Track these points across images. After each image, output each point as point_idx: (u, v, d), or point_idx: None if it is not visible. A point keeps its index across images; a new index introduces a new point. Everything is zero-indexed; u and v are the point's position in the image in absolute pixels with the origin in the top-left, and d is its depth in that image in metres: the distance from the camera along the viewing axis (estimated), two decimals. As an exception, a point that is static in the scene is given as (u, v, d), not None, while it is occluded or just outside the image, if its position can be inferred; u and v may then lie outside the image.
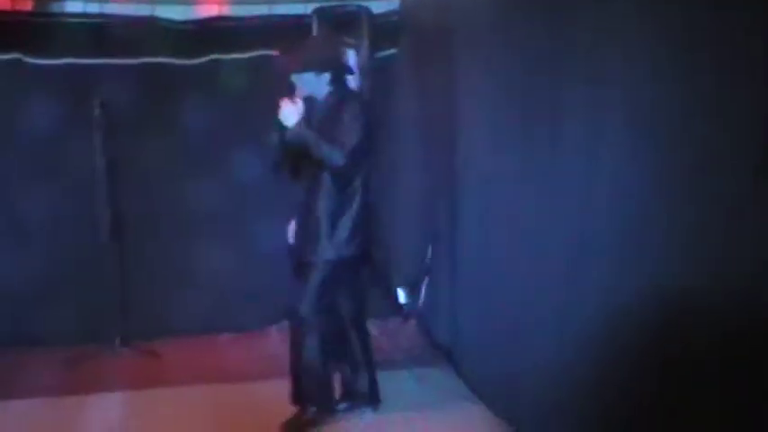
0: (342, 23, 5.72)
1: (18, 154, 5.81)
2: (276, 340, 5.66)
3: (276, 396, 4.47)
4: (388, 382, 4.80)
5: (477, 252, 4.82)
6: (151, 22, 6.04)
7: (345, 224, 4.30)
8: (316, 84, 4.33)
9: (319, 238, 4.30)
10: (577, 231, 3.64)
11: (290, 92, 4.33)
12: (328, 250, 4.30)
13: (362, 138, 4.19)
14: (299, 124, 4.19)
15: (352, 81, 4.79)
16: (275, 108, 4.24)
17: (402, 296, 6.22)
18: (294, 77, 4.33)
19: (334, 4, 5.84)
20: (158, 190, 5.91)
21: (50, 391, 5.02)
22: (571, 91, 3.69)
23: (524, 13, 4.20)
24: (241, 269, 5.98)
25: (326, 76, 4.32)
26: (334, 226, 4.29)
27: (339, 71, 4.42)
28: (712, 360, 2.68)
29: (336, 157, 4.15)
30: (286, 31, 5.97)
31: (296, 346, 4.39)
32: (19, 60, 5.79)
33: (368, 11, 5.83)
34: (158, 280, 5.90)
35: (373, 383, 4.67)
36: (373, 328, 5.85)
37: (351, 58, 5.67)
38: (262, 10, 6.10)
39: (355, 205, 4.32)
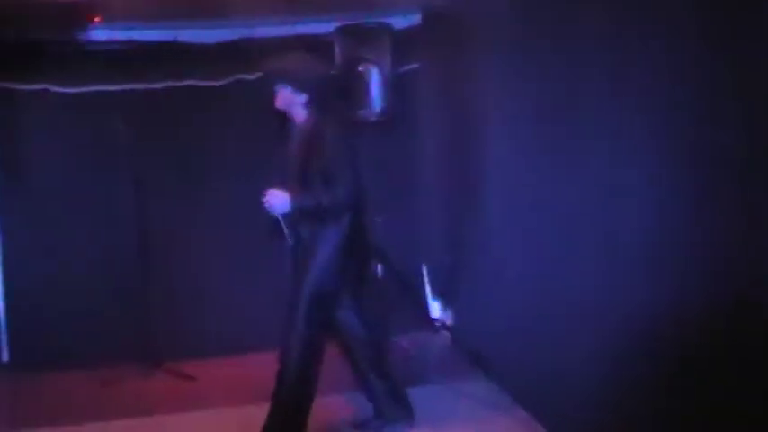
0: (364, 40, 5.74)
1: (49, 178, 5.90)
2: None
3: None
4: (425, 397, 4.75)
5: (509, 260, 4.78)
6: (175, 46, 6.09)
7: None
8: (290, 101, 4.24)
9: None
10: (609, 236, 3.61)
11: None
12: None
13: (352, 168, 4.13)
14: (294, 201, 4.10)
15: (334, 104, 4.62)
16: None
17: (434, 309, 6.21)
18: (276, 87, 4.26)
19: (356, 21, 5.83)
20: (186, 211, 5.94)
21: (80, 416, 5.00)
22: (597, 99, 3.68)
23: (545, 24, 4.21)
24: (272, 288, 5.96)
25: (303, 97, 4.22)
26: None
27: (315, 95, 4.25)
28: (749, 364, 2.63)
29: (340, 197, 4.08)
30: (311, 49, 5.99)
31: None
32: (46, 90, 5.88)
33: (389, 27, 5.84)
34: (188, 300, 5.90)
35: (398, 398, 4.55)
36: (405, 342, 5.85)
37: (373, 73, 5.69)
38: (284, 30, 6.11)
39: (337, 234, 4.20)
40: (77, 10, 5.47)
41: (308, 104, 4.22)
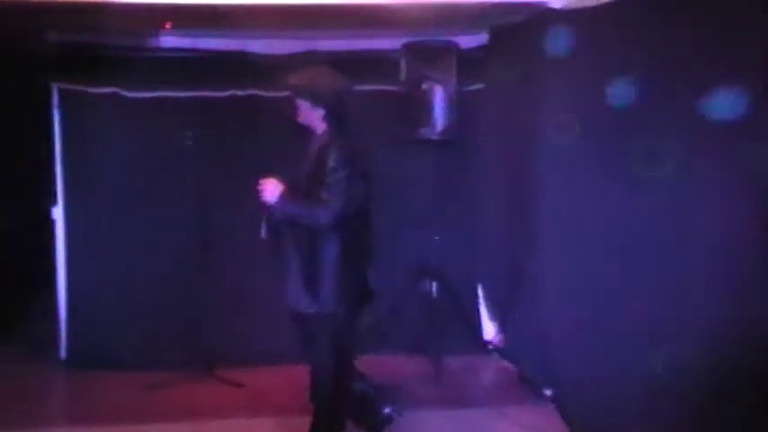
0: (429, 58, 5.76)
1: (114, 180, 6.00)
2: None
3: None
4: (473, 420, 4.75)
5: (567, 283, 4.75)
6: (241, 55, 6.16)
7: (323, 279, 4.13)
8: (310, 115, 4.25)
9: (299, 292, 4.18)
10: (675, 261, 3.58)
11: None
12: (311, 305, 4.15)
13: (347, 190, 4.07)
14: (281, 200, 4.10)
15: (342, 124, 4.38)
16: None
17: (486, 331, 6.18)
18: (297, 102, 4.27)
19: (422, 38, 5.85)
20: (244, 219, 5.97)
21: (131, 418, 5.09)
22: (666, 129, 3.65)
23: (613, 48, 4.19)
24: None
25: (321, 111, 4.22)
26: (311, 281, 4.15)
27: (332, 109, 4.23)
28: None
29: (321, 216, 4.03)
30: (374, 65, 6.05)
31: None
32: (115, 94, 5.98)
33: (455, 45, 5.85)
34: (244, 308, 5.94)
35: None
36: (457, 364, 5.83)
37: (437, 92, 5.71)
38: (352, 45, 6.15)
39: (330, 259, 4.14)
40: (149, 16, 5.56)
41: (325, 118, 4.23)
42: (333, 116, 4.22)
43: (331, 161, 4.04)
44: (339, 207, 4.02)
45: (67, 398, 5.83)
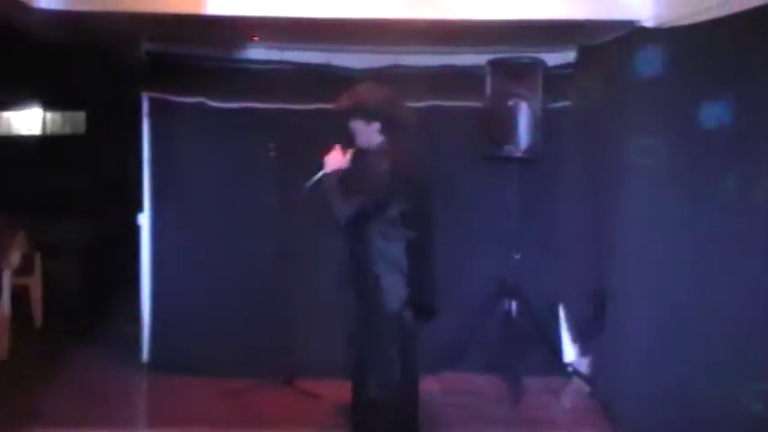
0: (515, 74, 5.72)
1: (199, 189, 6.12)
2: (435, 390, 5.64)
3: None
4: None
5: (650, 312, 4.65)
6: (327, 69, 6.20)
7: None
8: (365, 133, 4.24)
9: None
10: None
11: (348, 139, 4.30)
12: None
13: (376, 195, 4.08)
14: (330, 175, 4.16)
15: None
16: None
17: (566, 353, 6.08)
18: (350, 124, 4.26)
19: (509, 55, 5.81)
20: (326, 231, 5.99)
21: (210, 423, 5.18)
22: (761, 145, 3.56)
23: (708, 73, 4.10)
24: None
25: (376, 126, 4.21)
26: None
27: (389, 123, 4.24)
28: None
29: (340, 212, 4.09)
30: (460, 81, 6.03)
31: None
32: (203, 104, 6.09)
33: (542, 62, 5.80)
34: (325, 320, 5.95)
35: None
36: (535, 385, 5.75)
37: (522, 109, 5.66)
38: (436, 60, 6.14)
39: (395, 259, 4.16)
40: (237, 28, 5.65)
41: (381, 131, 4.23)
42: (387, 128, 4.23)
43: (372, 167, 4.10)
44: (355, 208, 4.05)
45: (147, 400, 5.97)
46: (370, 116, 4.21)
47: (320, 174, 4.27)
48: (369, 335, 4.27)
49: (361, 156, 4.27)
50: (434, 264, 4.48)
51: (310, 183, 4.30)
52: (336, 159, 4.23)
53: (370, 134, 4.24)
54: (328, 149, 4.29)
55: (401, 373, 4.22)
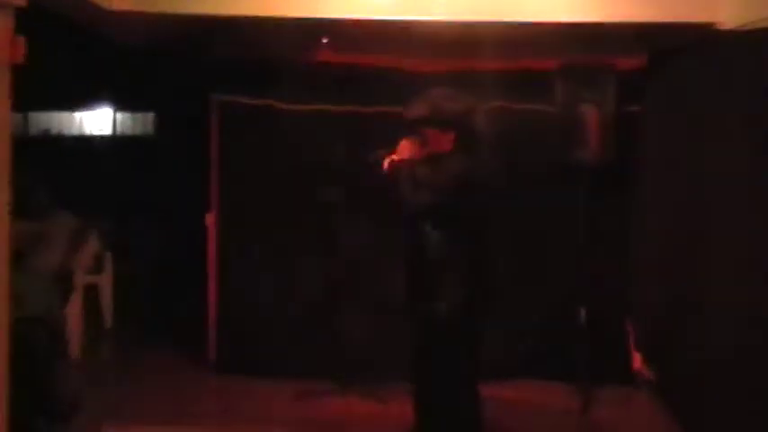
0: (586, 80, 5.62)
1: (268, 190, 6.17)
2: (508, 396, 5.61)
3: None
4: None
5: (723, 324, 4.53)
6: (397, 72, 6.17)
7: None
8: (439, 141, 4.10)
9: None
10: None
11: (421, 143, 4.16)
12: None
13: (445, 194, 3.97)
14: (402, 163, 4.08)
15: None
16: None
17: (637, 362, 5.97)
18: (423, 130, 4.14)
19: (579, 59, 5.72)
20: (390, 235, 5.98)
21: (276, 424, 5.20)
22: None
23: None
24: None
25: (451, 135, 4.08)
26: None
27: (464, 133, 4.11)
28: None
29: (410, 199, 3.99)
30: (530, 86, 5.96)
31: None
32: (270, 106, 6.13)
33: (613, 67, 5.69)
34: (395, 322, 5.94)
35: None
36: (605, 394, 5.66)
37: (593, 114, 5.56)
38: (506, 63, 6.07)
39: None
40: (306, 30, 5.66)
41: (455, 141, 4.10)
42: (463, 137, 4.11)
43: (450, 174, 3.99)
44: (425, 201, 3.97)
45: (214, 400, 6.04)
46: (445, 126, 4.11)
47: (385, 156, 4.19)
48: (428, 336, 4.19)
49: (431, 159, 4.18)
50: (494, 268, 4.41)
51: (373, 156, 4.24)
52: (408, 149, 4.13)
53: (443, 142, 4.13)
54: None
55: (461, 376, 4.15)
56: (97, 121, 11.42)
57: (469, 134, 4.15)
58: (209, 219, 6.29)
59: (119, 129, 11.43)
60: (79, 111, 11.37)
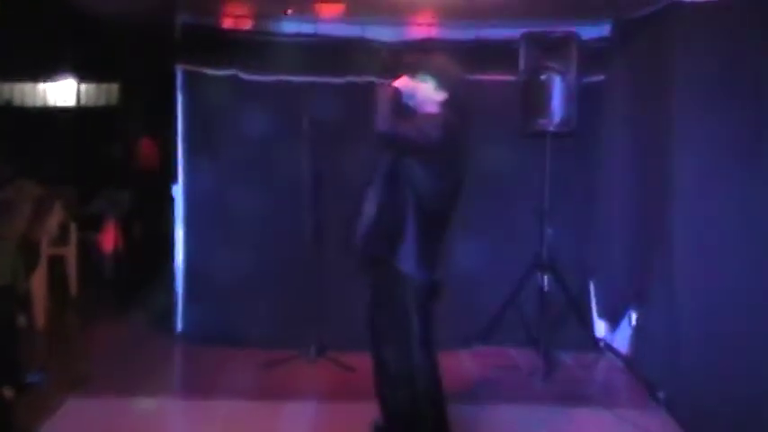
0: (550, 48, 5.67)
1: (233, 161, 6.15)
2: (468, 363, 5.66)
3: (462, 419, 4.41)
4: (584, 419, 4.68)
5: (691, 289, 4.62)
6: (360, 42, 6.20)
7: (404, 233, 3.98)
8: (426, 95, 4.07)
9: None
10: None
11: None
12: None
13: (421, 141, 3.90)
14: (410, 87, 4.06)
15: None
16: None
17: (599, 329, 6.08)
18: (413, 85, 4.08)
19: (542, 28, 5.76)
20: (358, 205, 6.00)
21: (243, 393, 5.19)
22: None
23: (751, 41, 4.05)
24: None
25: (441, 95, 4.07)
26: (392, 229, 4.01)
27: (453, 98, 4.09)
28: None
29: (380, 125, 3.89)
30: (494, 54, 5.99)
31: None
32: (236, 76, 6.11)
33: (576, 36, 5.74)
34: (357, 291, 5.98)
35: None
36: (568, 359, 5.76)
37: (556, 82, 5.61)
38: (470, 33, 6.11)
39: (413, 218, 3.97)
40: (270, 1, 5.66)
41: (442, 104, 4.10)
42: (450, 104, 4.13)
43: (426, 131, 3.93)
44: (392, 131, 3.89)
45: (180, 370, 6.06)
46: (442, 85, 4.10)
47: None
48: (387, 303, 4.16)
49: (412, 113, 4.11)
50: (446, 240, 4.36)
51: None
52: (406, 82, 4.09)
53: (431, 101, 4.11)
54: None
55: (415, 335, 4.09)
56: (61, 92, 11.30)
57: (456, 100, 4.16)
58: (176, 189, 6.28)
59: (83, 99, 11.32)
60: (43, 82, 11.24)
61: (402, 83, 4.08)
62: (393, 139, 3.95)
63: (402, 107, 4.03)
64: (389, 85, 4.09)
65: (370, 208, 4.12)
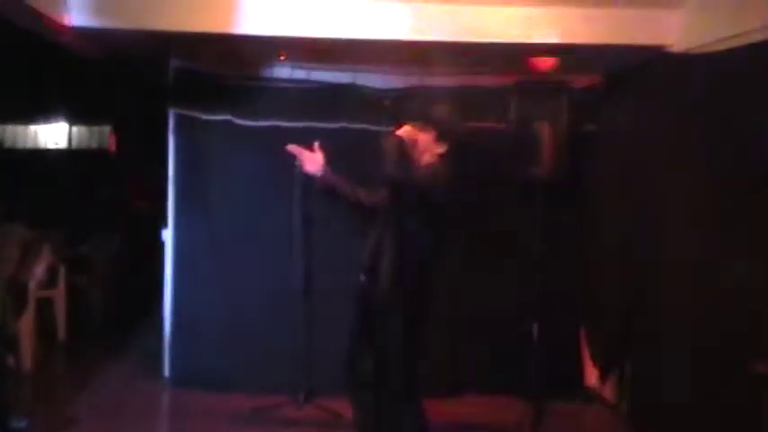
0: (540, 97, 5.72)
1: (224, 205, 6.15)
2: (457, 411, 5.65)
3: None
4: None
5: (680, 339, 4.64)
6: (351, 89, 6.24)
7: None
8: (426, 146, 4.10)
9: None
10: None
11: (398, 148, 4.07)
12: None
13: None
14: (325, 170, 4.30)
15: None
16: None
17: (590, 377, 6.06)
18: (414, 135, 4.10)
19: (533, 79, 5.83)
20: (351, 250, 6.02)
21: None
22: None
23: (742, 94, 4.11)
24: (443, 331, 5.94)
25: (442, 148, 4.11)
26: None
27: (453, 148, 4.14)
28: None
29: (362, 196, 4.23)
30: (484, 103, 6.03)
31: None
32: (229, 121, 6.13)
33: (568, 86, 5.80)
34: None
35: None
36: (555, 409, 5.73)
37: (547, 132, 5.65)
38: (460, 80, 6.16)
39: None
40: (264, 47, 5.70)
41: (442, 156, 4.14)
42: (450, 155, 4.17)
43: (435, 189, 4.00)
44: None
45: (168, 415, 6.01)
46: (444, 136, 4.14)
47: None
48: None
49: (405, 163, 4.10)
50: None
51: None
52: (315, 160, 4.31)
53: (428, 150, 4.14)
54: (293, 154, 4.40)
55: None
56: (53, 134, 11.32)
57: (455, 155, 4.20)
58: (166, 234, 6.28)
59: (75, 142, 11.34)
60: (35, 124, 11.27)
61: (405, 132, 4.11)
62: (402, 187, 3.99)
63: (405, 156, 4.05)
64: (393, 133, 4.11)
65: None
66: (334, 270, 5.83)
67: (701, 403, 4.43)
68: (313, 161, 4.35)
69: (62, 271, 7.38)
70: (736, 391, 4.11)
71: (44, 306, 7.10)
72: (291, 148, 4.37)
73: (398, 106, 5.73)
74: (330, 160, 5.95)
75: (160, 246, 6.31)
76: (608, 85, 5.96)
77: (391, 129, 4.25)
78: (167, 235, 6.28)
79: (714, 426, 4.28)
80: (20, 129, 11.23)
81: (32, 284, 6.25)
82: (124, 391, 6.14)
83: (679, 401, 4.67)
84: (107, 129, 11.16)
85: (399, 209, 4.05)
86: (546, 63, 5.67)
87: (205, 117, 6.16)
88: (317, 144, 4.44)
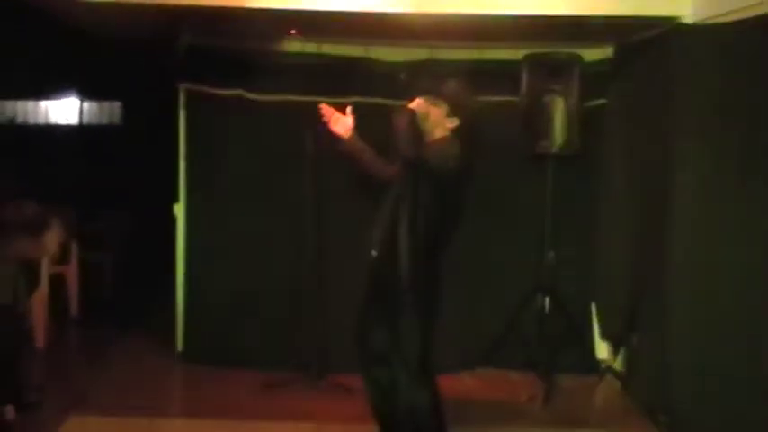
0: (552, 70, 5.69)
1: (235, 180, 6.13)
2: (469, 385, 5.64)
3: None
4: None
5: (694, 307, 4.63)
6: (366, 62, 6.21)
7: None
8: (438, 120, 4.10)
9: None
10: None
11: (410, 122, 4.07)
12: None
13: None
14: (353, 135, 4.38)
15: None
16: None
17: (601, 351, 6.06)
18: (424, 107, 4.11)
19: (544, 50, 5.79)
20: (363, 225, 6.00)
21: (244, 414, 5.18)
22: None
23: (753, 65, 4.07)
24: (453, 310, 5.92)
25: (454, 122, 4.11)
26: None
27: (464, 125, 4.14)
28: None
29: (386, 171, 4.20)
30: (495, 76, 5.99)
31: None
32: (240, 96, 6.11)
33: (579, 58, 5.77)
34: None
35: None
36: (569, 382, 5.74)
37: (558, 105, 5.62)
38: (471, 55, 6.12)
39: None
40: (275, 21, 5.67)
41: (453, 131, 4.14)
42: (461, 131, 4.16)
43: (446, 164, 3.99)
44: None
45: (180, 391, 6.08)
46: (455, 112, 4.14)
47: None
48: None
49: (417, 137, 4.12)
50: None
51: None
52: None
53: (439, 124, 4.14)
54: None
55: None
56: (63, 110, 11.32)
57: (466, 131, 4.19)
58: (178, 208, 6.28)
59: (85, 118, 11.34)
60: (45, 100, 11.27)
61: (417, 105, 4.10)
62: (416, 162, 3.98)
63: (417, 130, 4.05)
64: (406, 107, 4.10)
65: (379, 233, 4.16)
66: (348, 244, 5.85)
67: (711, 377, 4.41)
68: (343, 123, 4.41)
69: (74, 247, 7.40)
70: (749, 365, 4.10)
71: (56, 282, 7.13)
72: (324, 107, 4.45)
73: (412, 80, 5.69)
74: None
75: (172, 221, 6.31)
76: (620, 58, 5.91)
77: (404, 103, 4.24)
78: (179, 210, 6.27)
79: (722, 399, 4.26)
80: (30, 105, 11.23)
81: (45, 261, 6.29)
82: (137, 367, 6.17)
83: (689, 375, 4.64)
84: (117, 104, 11.16)
85: (411, 183, 4.03)
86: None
87: (216, 92, 6.13)
88: (349, 108, 4.50)
